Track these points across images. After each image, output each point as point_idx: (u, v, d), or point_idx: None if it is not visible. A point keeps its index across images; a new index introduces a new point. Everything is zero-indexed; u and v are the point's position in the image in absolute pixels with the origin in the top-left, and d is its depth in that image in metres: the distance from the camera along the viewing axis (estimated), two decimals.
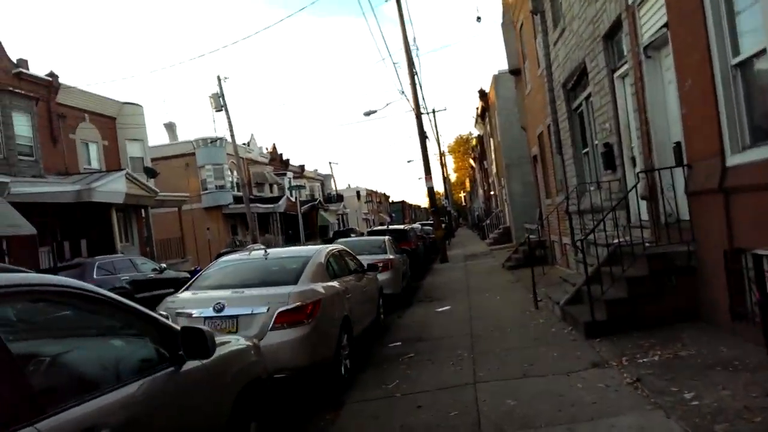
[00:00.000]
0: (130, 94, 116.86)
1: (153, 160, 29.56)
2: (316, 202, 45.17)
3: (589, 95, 9.27)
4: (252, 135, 41.88)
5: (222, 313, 5.10)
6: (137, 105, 25.88)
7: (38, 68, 20.73)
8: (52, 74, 20.77)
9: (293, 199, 35.60)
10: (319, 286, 5.71)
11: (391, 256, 11.21)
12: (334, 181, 58.80)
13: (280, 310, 5.09)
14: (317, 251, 6.46)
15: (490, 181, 36.63)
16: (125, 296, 9.66)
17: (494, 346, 6.40)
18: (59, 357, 2.40)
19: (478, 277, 14.37)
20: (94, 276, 11.64)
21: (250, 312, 5.11)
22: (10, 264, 16.30)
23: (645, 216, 7.20)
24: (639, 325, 5.96)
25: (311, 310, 5.24)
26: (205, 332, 2.87)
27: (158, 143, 33.92)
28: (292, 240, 37.59)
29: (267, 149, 44.44)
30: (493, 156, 30.76)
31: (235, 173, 34.01)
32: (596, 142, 9.28)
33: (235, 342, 3.77)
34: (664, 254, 6.19)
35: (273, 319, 5.06)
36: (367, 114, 23.53)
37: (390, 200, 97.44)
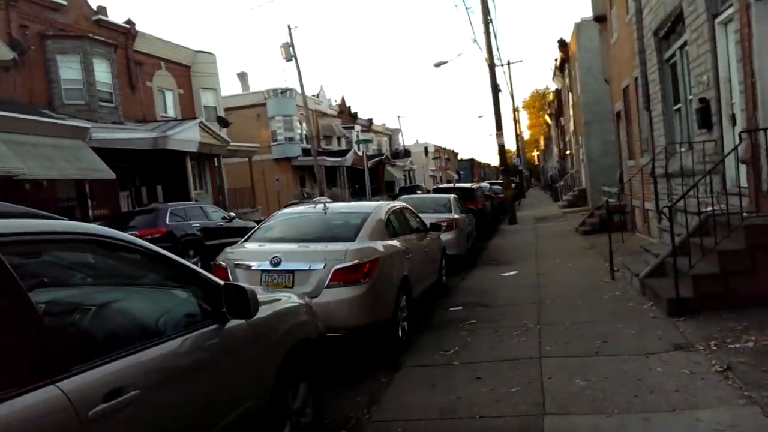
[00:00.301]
0: (204, 42, 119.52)
1: (226, 110, 30.18)
2: (383, 157, 44.91)
3: (685, 44, 8.23)
4: (321, 87, 41.84)
5: (279, 267, 4.97)
6: (210, 53, 26.24)
7: (116, 15, 21.21)
8: (129, 21, 21.28)
9: (360, 153, 35.48)
10: (378, 245, 5.46)
11: (456, 216, 10.80)
12: (402, 136, 58.13)
13: (337, 267, 4.89)
14: (377, 207, 6.18)
15: (567, 139, 34.81)
16: (195, 243, 9.87)
17: (563, 318, 5.96)
18: (88, 310, 2.27)
19: (549, 241, 13.70)
20: (167, 221, 12.03)
21: (306, 268, 4.95)
22: (93, 206, 17.31)
23: (744, 182, 6.37)
24: (731, 305, 5.32)
25: (368, 269, 5.01)
26: (246, 291, 2.68)
27: (231, 93, 34.59)
28: (358, 194, 37.77)
29: (336, 101, 44.31)
30: (571, 112, 29.03)
31: (304, 125, 34.19)
32: (690, 97, 8.29)
33: (286, 300, 3.59)
34: (765, 226, 5.44)
35: (329, 276, 4.88)
36: (438, 65, 22.61)
37: (459, 157, 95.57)
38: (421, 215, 10.01)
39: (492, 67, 19.66)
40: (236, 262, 5.17)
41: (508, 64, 38.76)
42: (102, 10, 20.20)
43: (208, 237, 12.54)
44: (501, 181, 24.50)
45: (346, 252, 4.98)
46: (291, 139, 33.82)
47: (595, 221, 14.55)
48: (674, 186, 8.77)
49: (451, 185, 19.17)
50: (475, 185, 18.90)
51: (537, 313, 6.32)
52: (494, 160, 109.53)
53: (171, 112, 23.67)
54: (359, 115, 47.63)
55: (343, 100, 45.15)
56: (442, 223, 10.15)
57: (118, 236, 2.37)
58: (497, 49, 30.69)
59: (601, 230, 13.66)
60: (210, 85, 25.93)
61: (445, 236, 9.94)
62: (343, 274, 4.89)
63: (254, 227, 6.35)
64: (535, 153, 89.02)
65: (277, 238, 5.62)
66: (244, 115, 32.37)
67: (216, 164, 23.85)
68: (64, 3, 18.37)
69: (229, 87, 71.00)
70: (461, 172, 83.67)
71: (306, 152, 32.82)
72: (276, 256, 5.01)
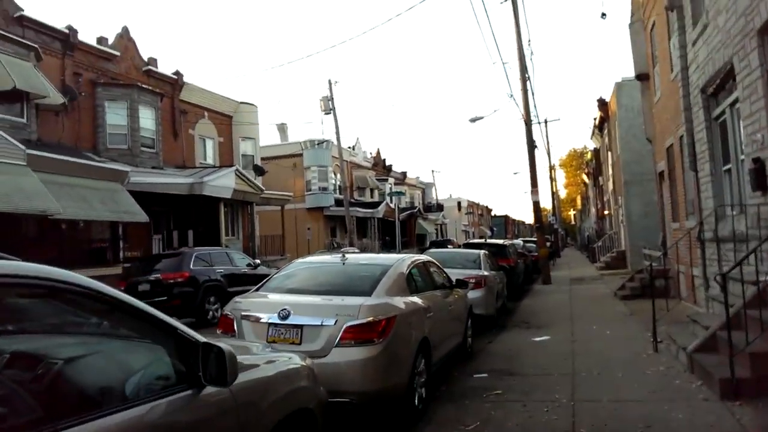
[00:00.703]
0: (245, 94, 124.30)
1: (264, 159, 30.82)
2: (415, 210, 44.78)
3: (736, 101, 7.77)
4: (357, 139, 42.45)
5: (287, 321, 4.61)
6: (252, 105, 27.04)
7: (165, 66, 22.15)
8: (177, 73, 22.20)
9: (392, 206, 35.43)
10: (396, 301, 5.06)
11: (486, 273, 10.29)
12: (436, 189, 58.13)
13: (349, 324, 4.50)
14: (399, 260, 5.80)
15: (605, 199, 33.92)
16: (218, 289, 9.56)
17: (601, 394, 5.34)
18: (33, 368, 1.95)
19: (585, 305, 12.93)
20: (191, 266, 11.92)
21: (316, 323, 4.57)
22: (125, 248, 17.47)
23: None
24: None
25: (384, 328, 4.60)
26: (225, 352, 2.32)
27: (270, 143, 35.43)
28: (388, 246, 37.46)
29: (371, 154, 44.85)
30: (610, 172, 28.37)
31: (338, 176, 34.54)
32: (742, 157, 7.75)
33: (284, 361, 3.21)
34: None
35: (340, 334, 4.48)
36: (473, 120, 22.58)
37: (492, 213, 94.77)
38: (449, 270, 9.57)
39: (528, 123, 19.46)
40: (243, 313, 4.84)
41: (546, 122, 38.70)
42: (152, 61, 21.17)
43: (231, 283, 12.33)
44: (535, 239, 23.82)
45: (359, 307, 4.60)
46: (325, 189, 34.12)
47: (635, 285, 13.74)
48: (725, 252, 8.10)
49: (483, 241, 18.61)
50: (507, 242, 18.33)
51: (571, 386, 5.71)
52: (529, 218, 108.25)
53: (210, 159, 24.24)
54: (393, 168, 48.01)
55: (378, 152, 45.71)
56: (471, 280, 9.70)
57: (78, 281, 2.08)
58: (534, 106, 30.60)
59: (641, 296, 12.86)
60: (249, 134, 26.59)
61: (473, 294, 9.45)
62: (355, 331, 4.49)
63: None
64: (572, 212, 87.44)
65: (290, 289, 5.28)
66: (280, 165, 32.97)
67: (249, 211, 24.04)
68: (117, 53, 19.33)
69: (269, 137, 73.18)
70: (494, 228, 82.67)
71: (339, 202, 32.97)
72: (284, 309, 4.66)
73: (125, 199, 16.27)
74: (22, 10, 15.51)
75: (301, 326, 4.59)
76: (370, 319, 4.56)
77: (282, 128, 37.39)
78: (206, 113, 24.22)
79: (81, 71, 17.77)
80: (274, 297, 5.14)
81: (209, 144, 24.50)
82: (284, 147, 35.23)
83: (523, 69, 18.89)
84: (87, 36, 18.37)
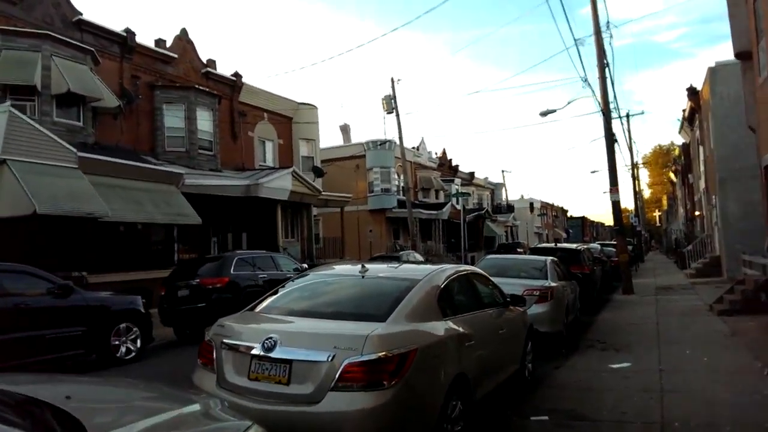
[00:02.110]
0: (306, 95, 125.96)
1: (327, 160, 30.43)
2: (482, 212, 42.91)
3: None
4: (422, 139, 41.26)
5: (273, 354, 3.57)
6: (312, 106, 26.62)
7: (224, 68, 21.98)
8: (236, 74, 22.05)
9: (458, 207, 33.90)
10: (420, 328, 3.90)
11: (553, 284, 8.83)
12: (506, 190, 55.74)
13: (350, 361, 3.39)
14: (431, 273, 4.62)
15: (695, 199, 30.68)
16: (260, 295, 8.65)
17: None
18: None
19: (674, 321, 11.07)
20: (232, 270, 11.25)
21: (307, 358, 3.50)
22: (180, 251, 17.28)
23: None
24: None
25: (397, 366, 3.45)
26: None
27: (332, 144, 35.07)
28: (453, 249, 35.98)
29: (436, 154, 43.50)
30: (701, 168, 25.45)
31: (401, 177, 33.53)
32: None
33: None
34: None
35: (338, 374, 3.39)
36: (544, 114, 20.72)
37: (568, 215, 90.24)
38: (509, 281, 8.29)
39: (607, 114, 17.50)
40: (225, 340, 3.85)
41: (627, 116, 35.76)
42: (211, 62, 21.11)
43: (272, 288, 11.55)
44: (615, 243, 21.60)
45: (365, 338, 3.47)
46: (387, 190, 33.23)
47: (735, 299, 11.66)
48: None
49: (553, 245, 16.86)
50: (582, 246, 16.48)
51: None
52: (608, 219, 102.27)
53: (269, 161, 23.99)
54: (460, 168, 46.36)
55: (443, 152, 44.28)
56: (534, 292, 8.35)
57: None
58: (614, 96, 28.11)
59: (744, 311, 10.84)
60: (309, 135, 26.17)
61: (537, 309, 8.09)
62: (357, 371, 3.38)
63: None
64: (656, 213, 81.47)
65: (289, 309, 4.26)
66: (343, 166, 32.45)
67: (307, 213, 23.53)
68: (175, 56, 19.35)
69: (331, 139, 73.58)
70: (570, 231, 78.58)
71: (402, 204, 31.97)
72: (270, 338, 3.62)
73: (179, 201, 16.08)
74: (81, 14, 15.69)
75: (290, 361, 3.53)
76: (380, 354, 3.43)
77: (344, 129, 36.91)
78: (266, 115, 23.99)
79: (139, 74, 17.86)
80: (264, 319, 4.14)
81: (269, 146, 24.25)
82: (346, 148, 34.70)
83: (601, 53, 16.99)
84: (145, 38, 18.47)
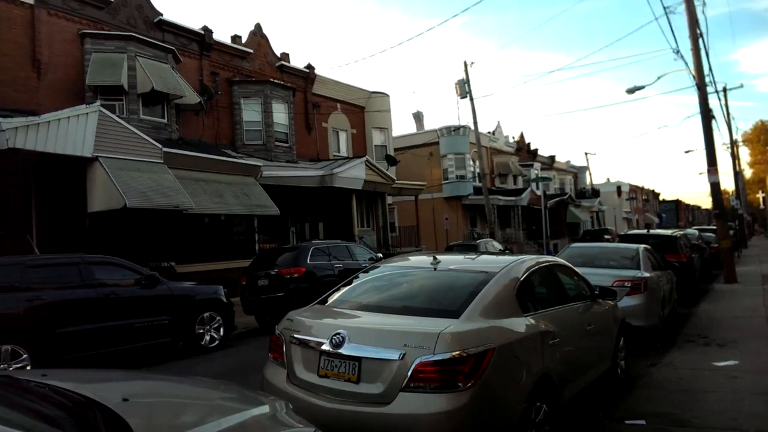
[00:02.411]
0: (378, 83, 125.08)
1: (400, 149, 30.27)
2: (565, 197, 41.03)
3: None
4: (498, 123, 39.98)
5: (341, 350, 3.40)
6: (385, 94, 26.46)
7: (297, 60, 22.26)
8: (309, 66, 22.29)
9: (538, 192, 32.58)
10: (498, 324, 3.58)
11: (646, 274, 8.10)
12: (590, 174, 53.00)
13: (421, 360, 3.15)
14: (510, 265, 4.26)
15: None
16: (333, 283, 8.63)
17: None
18: None
19: None
20: (308, 260, 11.36)
21: (376, 355, 3.29)
22: (261, 240, 17.78)
23: None
24: None
25: (474, 366, 3.17)
26: None
27: (405, 132, 34.82)
28: (534, 237, 34.72)
29: (513, 138, 42.04)
30: None
31: (477, 163, 32.73)
32: None
33: None
34: None
35: (409, 373, 3.16)
36: (631, 91, 19.27)
37: (660, 198, 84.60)
38: (598, 271, 7.74)
39: (702, 88, 15.96)
40: (294, 335, 3.73)
41: (725, 90, 32.73)
42: (285, 56, 21.47)
43: (347, 278, 11.54)
44: (714, 228, 19.82)
45: (438, 336, 3.22)
46: (462, 177, 32.55)
47: None
48: None
49: (645, 232, 15.67)
50: (678, 232, 15.18)
51: None
52: (705, 202, 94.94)
53: (343, 151, 24.15)
54: (540, 152, 44.59)
55: (521, 136, 42.73)
56: (626, 284, 7.71)
57: None
58: (709, 69, 25.74)
59: None
60: (382, 124, 26.07)
61: (629, 301, 7.47)
62: (430, 371, 3.14)
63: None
64: (759, 195, 74.42)
65: (358, 302, 4.07)
66: (416, 154, 32.14)
67: (381, 202, 23.50)
68: (251, 51, 19.82)
69: (404, 127, 73.35)
70: (663, 215, 73.66)
71: (478, 191, 31.22)
72: (338, 334, 3.45)
73: (258, 192, 16.51)
74: (161, 15, 16.38)
75: (359, 359, 3.34)
76: (453, 353, 3.16)
77: (417, 117, 36.51)
78: (339, 105, 24.13)
79: (218, 70, 18.46)
80: (333, 314, 3.98)
81: (342, 136, 24.41)
82: (420, 136, 34.31)
83: (693, 21, 15.48)
84: (221, 35, 19.03)
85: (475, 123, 26.99)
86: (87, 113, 12.30)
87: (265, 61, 20.56)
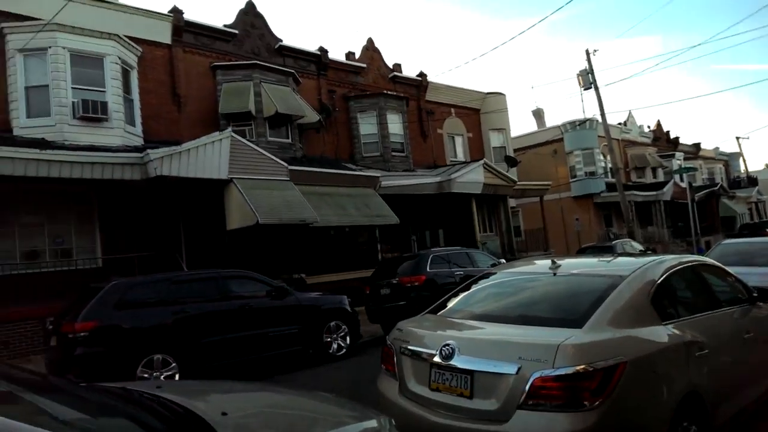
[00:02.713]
0: (492, 84, 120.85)
1: (519, 149, 29.24)
2: (716, 188, 36.69)
3: None
4: (630, 112, 36.95)
5: (451, 362, 3.23)
6: (500, 94, 25.77)
7: (408, 69, 22.51)
8: (421, 74, 22.40)
9: (683, 185, 29.47)
10: (630, 335, 3.16)
11: None
12: (744, 160, 46.88)
13: (540, 374, 2.88)
14: (644, 267, 3.78)
15: None
16: (452, 290, 8.53)
17: None
18: None
19: None
20: (428, 268, 11.29)
21: (489, 369, 3.07)
22: (383, 250, 18.11)
23: None
24: None
25: (601, 383, 2.83)
26: None
27: (525, 132, 33.58)
28: (681, 234, 31.41)
29: (649, 127, 38.58)
30: None
31: (607, 157, 30.49)
32: None
33: None
34: None
35: (526, 389, 2.90)
36: None
37: None
38: (756, 271, 6.73)
39: None
40: (403, 346, 3.63)
41: None
42: (397, 67, 21.81)
43: None
44: None
45: (557, 348, 2.91)
46: (592, 173, 30.50)
47: None
48: None
49: None
50: None
51: None
52: None
53: (460, 156, 23.88)
54: (681, 141, 40.43)
55: (658, 124, 39.09)
56: None
57: None
58: None
59: None
60: (499, 125, 25.38)
61: None
62: (550, 387, 2.85)
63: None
64: None
65: (470, 312, 3.86)
66: (539, 153, 30.80)
67: (503, 205, 22.78)
68: (364, 66, 20.41)
69: (523, 126, 70.51)
70: None
71: (611, 187, 29.02)
72: (447, 345, 3.28)
73: (377, 203, 16.84)
74: (281, 41, 17.47)
75: (471, 372, 3.15)
76: (577, 368, 2.84)
77: (537, 114, 35.00)
78: (452, 110, 23.93)
79: (334, 88, 19.24)
80: (443, 323, 3.80)
81: (458, 141, 24.15)
82: (541, 134, 32.83)
83: None
84: (336, 53, 19.81)
85: (603, 114, 25.18)
86: (221, 139, 13.43)
87: (378, 74, 21.04)
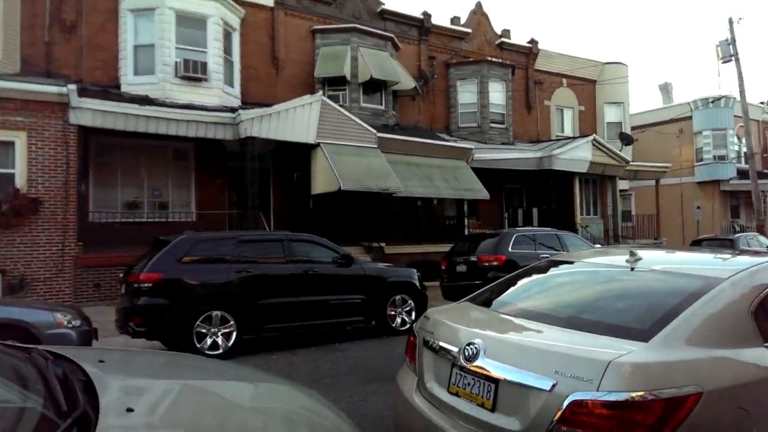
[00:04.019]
0: (613, 53, 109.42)
1: (639, 127, 26.67)
2: None
3: None
4: None
5: (474, 364, 2.63)
6: (621, 64, 23.41)
7: (518, 36, 21.02)
8: (532, 41, 20.85)
9: None
10: (713, 357, 2.36)
11: None
12: None
13: (579, 397, 2.21)
14: (748, 269, 2.85)
15: None
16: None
17: None
18: None
19: None
20: (510, 248, 10.46)
21: (517, 379, 2.44)
22: (471, 225, 17.32)
23: None
24: None
25: (662, 419, 2.10)
26: None
27: (647, 108, 30.43)
28: None
29: None
30: None
31: (743, 140, 26.80)
32: None
33: None
34: None
35: (560, 411, 2.24)
36: None
37: None
38: None
39: None
40: (426, 337, 3.07)
41: None
42: (505, 33, 20.45)
43: None
44: None
45: (606, 366, 2.20)
46: (722, 157, 27.04)
47: None
48: None
49: None
50: None
51: None
52: None
53: (568, 131, 22.14)
54: None
55: None
56: None
57: None
58: None
59: None
60: (617, 98, 23.12)
61: None
62: (589, 414, 2.17)
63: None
64: None
65: (512, 306, 3.18)
66: (661, 132, 27.84)
67: (611, 187, 20.85)
68: (469, 31, 19.33)
69: (645, 103, 63.92)
70: None
71: (743, 174, 25.59)
72: (472, 344, 2.67)
73: (468, 176, 16.04)
74: (383, 4, 16.93)
75: (496, 381, 2.53)
76: (632, 394, 2.13)
77: (665, 88, 31.49)
78: (564, 80, 22.11)
79: (435, 54, 18.43)
80: (476, 316, 3.18)
81: (567, 114, 22.35)
82: (666, 111, 29.54)
83: None
84: (439, 18, 18.93)
85: (742, 91, 21.98)
86: (311, 102, 13.34)
87: (484, 40, 19.86)
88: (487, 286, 3.69)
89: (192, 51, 13.40)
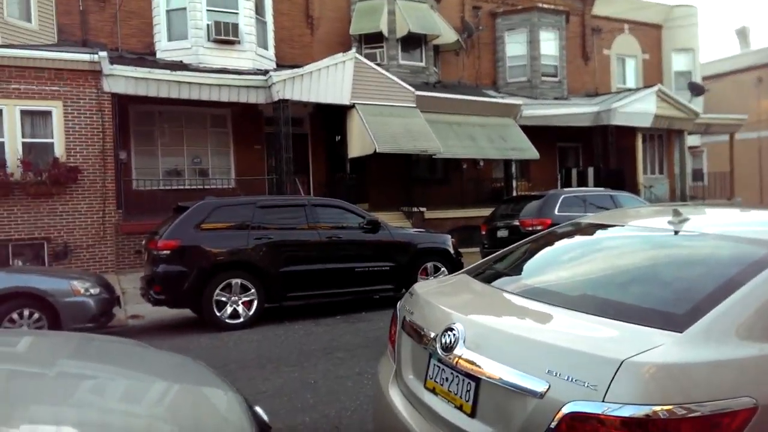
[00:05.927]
0: None
1: (709, 76, 24.26)
2: None
3: None
4: None
5: (453, 354, 2.06)
6: (690, 6, 21.17)
7: None
8: None
9: None
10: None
11: None
12: None
13: (576, 408, 1.61)
14: None
15: None
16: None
17: None
18: None
19: None
20: (556, 211, 9.61)
21: (502, 379, 1.86)
22: (519, 188, 16.35)
23: None
24: None
25: None
26: None
27: (721, 57, 27.64)
28: None
29: None
30: None
31: None
32: None
33: None
34: None
35: (552, 425, 1.66)
36: None
37: None
38: None
39: None
40: (406, 317, 2.52)
41: None
42: None
43: None
44: None
45: (618, 366, 1.58)
46: None
47: None
48: None
49: None
50: None
51: None
52: None
53: (630, 82, 20.40)
54: None
55: None
56: None
57: None
58: None
59: None
60: (686, 45, 21.02)
61: None
62: (594, 428, 1.58)
63: None
64: None
65: (514, 279, 2.57)
66: (738, 81, 25.26)
67: (679, 142, 19.12)
68: None
69: (719, 50, 58.59)
70: None
71: None
72: (451, 329, 2.10)
73: (515, 134, 15.02)
74: None
75: (477, 379, 1.96)
76: (654, 408, 1.51)
77: (742, 33, 28.43)
78: (626, 26, 20.24)
79: (480, 3, 17.22)
80: (469, 293, 2.58)
81: (630, 64, 20.55)
82: (743, 58, 26.67)
83: None
84: None
85: None
86: (344, 61, 12.71)
87: None
88: (490, 256, 3.06)
89: (223, 13, 13.00)
